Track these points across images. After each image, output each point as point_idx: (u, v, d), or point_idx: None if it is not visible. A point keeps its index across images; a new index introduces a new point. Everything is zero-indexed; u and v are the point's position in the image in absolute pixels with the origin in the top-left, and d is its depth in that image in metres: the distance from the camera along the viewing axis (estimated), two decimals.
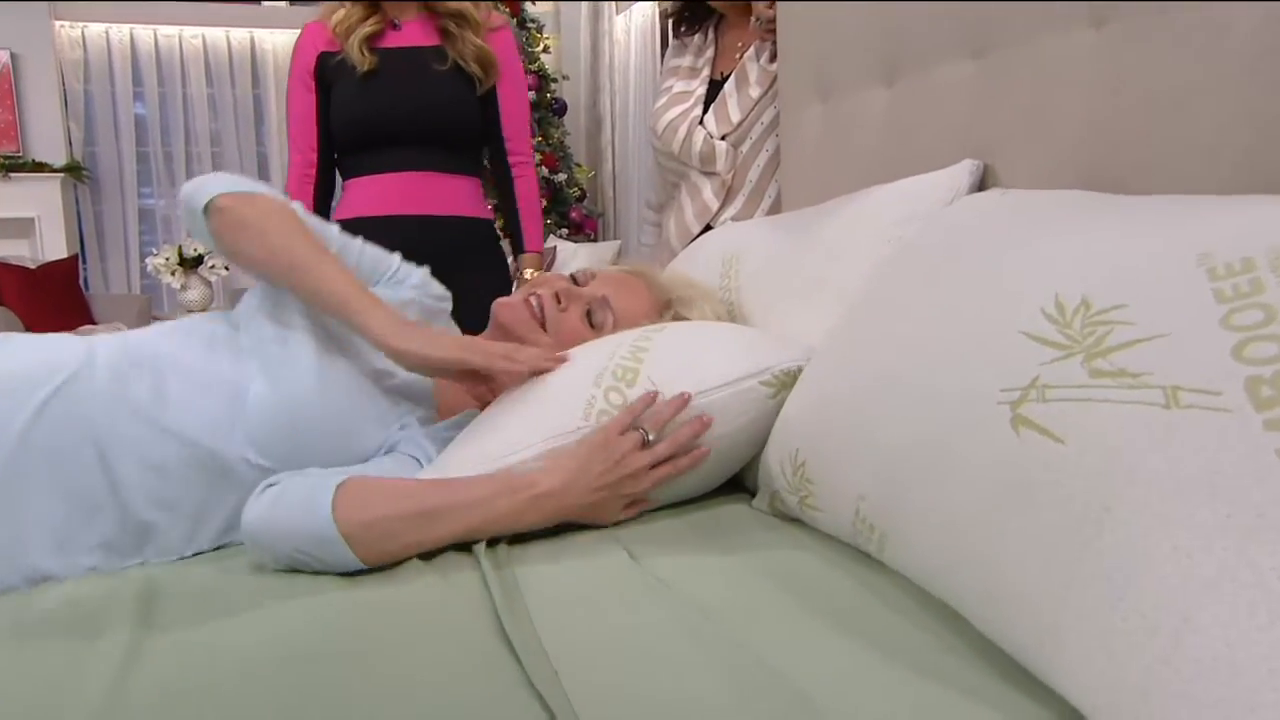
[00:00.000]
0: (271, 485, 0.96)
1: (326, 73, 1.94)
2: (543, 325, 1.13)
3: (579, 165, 5.81)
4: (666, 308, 1.20)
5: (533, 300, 1.14)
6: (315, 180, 2.00)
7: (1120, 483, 0.58)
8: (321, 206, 2.03)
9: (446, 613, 0.81)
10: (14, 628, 0.78)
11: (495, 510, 0.94)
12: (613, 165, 5.98)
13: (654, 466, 1.00)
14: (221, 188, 1.06)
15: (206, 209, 1.05)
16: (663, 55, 5.42)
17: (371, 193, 1.94)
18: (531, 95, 4.72)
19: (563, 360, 1.06)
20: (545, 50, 5.65)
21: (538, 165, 5.36)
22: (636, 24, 5.61)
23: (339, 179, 2.06)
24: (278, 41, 6.22)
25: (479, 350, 1.03)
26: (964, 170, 1.09)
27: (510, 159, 2.08)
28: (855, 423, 0.86)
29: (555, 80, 5.75)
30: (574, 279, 1.18)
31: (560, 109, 5.65)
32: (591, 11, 5.98)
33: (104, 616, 0.80)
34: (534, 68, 5.36)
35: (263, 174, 6.27)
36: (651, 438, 0.99)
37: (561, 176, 5.43)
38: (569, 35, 6.29)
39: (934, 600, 0.78)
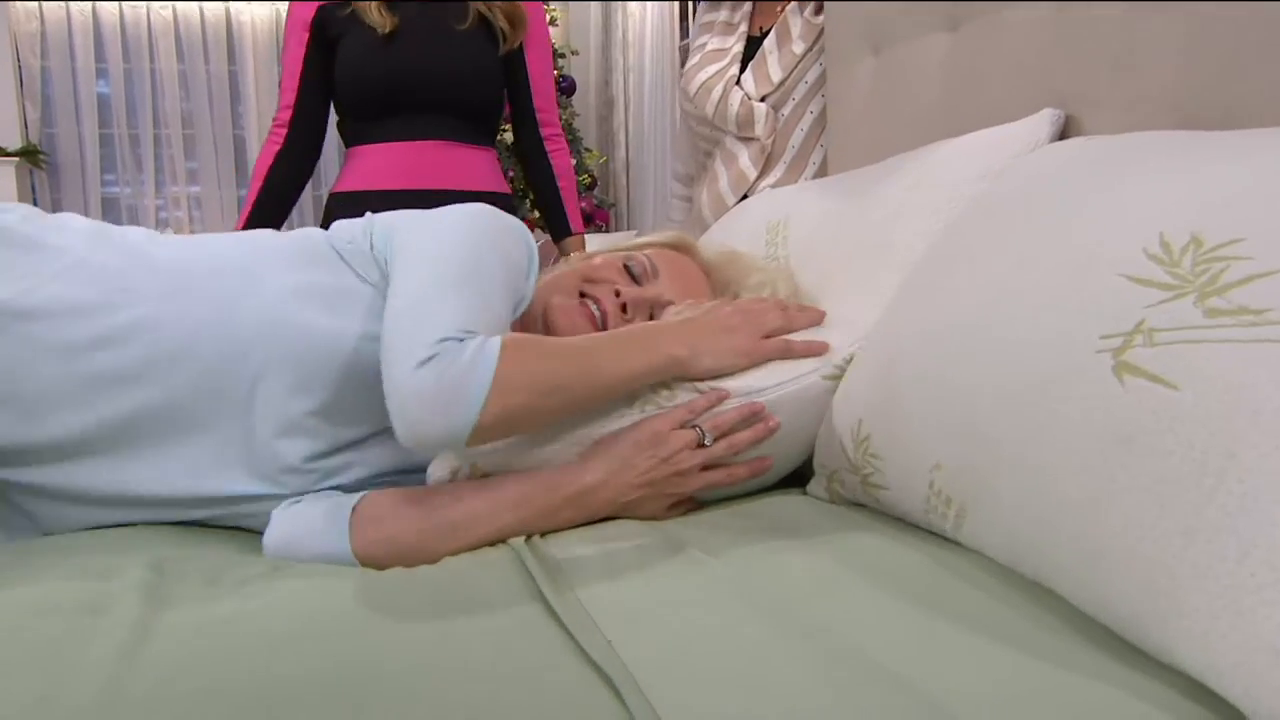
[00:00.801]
0: (293, 504, 0.99)
1: (329, 26, 1.94)
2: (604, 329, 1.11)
3: (589, 150, 5.82)
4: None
5: (592, 307, 1.12)
6: (284, 139, 1.98)
7: (1244, 426, 0.58)
8: (283, 171, 1.99)
9: (481, 589, 0.81)
10: (14, 602, 0.79)
11: (530, 510, 0.95)
12: (626, 151, 5.99)
13: (706, 468, 1.00)
14: (473, 401, 0.87)
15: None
16: (682, 31, 5.46)
17: (380, 163, 1.94)
18: None
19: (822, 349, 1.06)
20: (552, 23, 5.68)
21: None
22: None
23: (341, 146, 2.05)
24: (256, 13, 6.25)
25: (775, 349, 1.04)
26: (1044, 120, 1.09)
27: (543, 130, 2.09)
28: (929, 385, 0.86)
29: (563, 56, 5.77)
30: (629, 270, 1.16)
31: (569, 88, 5.66)
32: None
33: (110, 586, 0.80)
34: None
35: (239, 158, 6.28)
36: (708, 441, 0.99)
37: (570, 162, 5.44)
38: (578, 7, 6.32)
39: (1017, 578, 0.78)
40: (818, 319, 1.09)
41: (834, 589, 0.80)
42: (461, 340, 0.88)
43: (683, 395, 1.00)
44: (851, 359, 1.03)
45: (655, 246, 1.22)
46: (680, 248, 1.23)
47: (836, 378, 1.03)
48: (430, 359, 0.87)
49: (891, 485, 0.93)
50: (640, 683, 0.62)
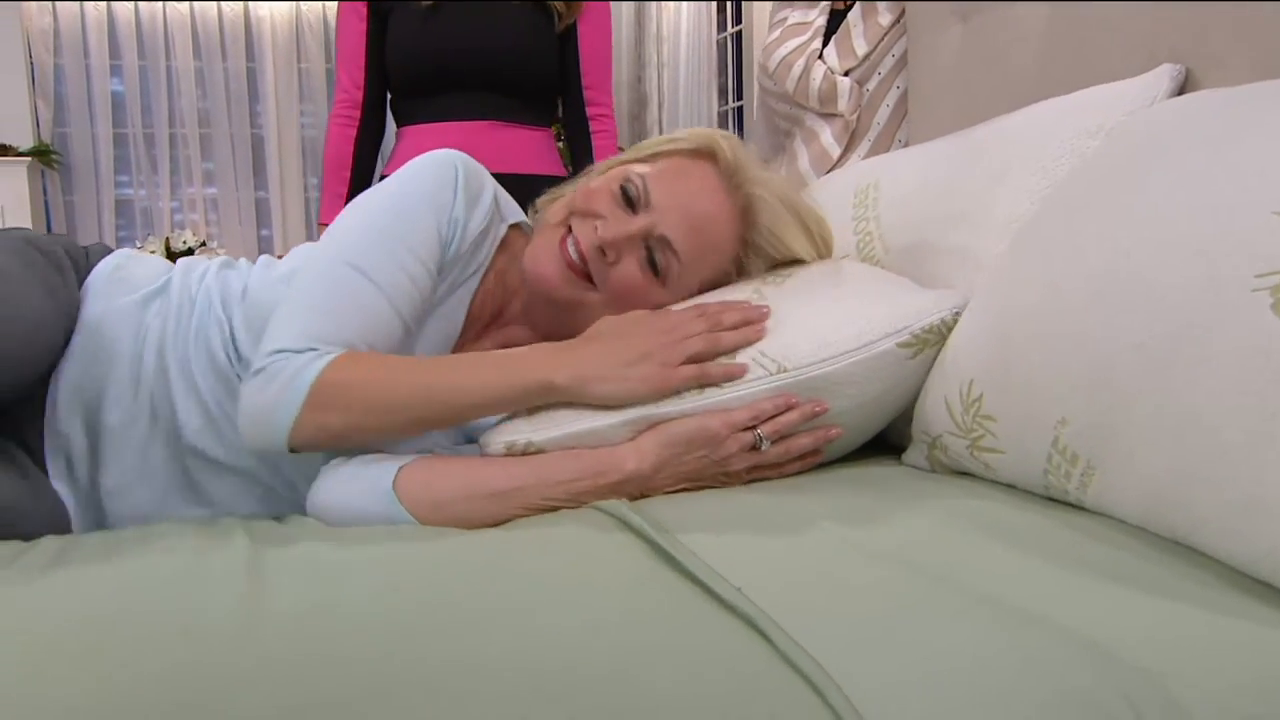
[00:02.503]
0: (338, 465, 1.00)
1: (381, 4, 1.98)
2: (587, 276, 1.08)
3: (621, 149, 5.86)
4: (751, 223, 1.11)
5: (569, 248, 1.08)
6: (360, 123, 2.03)
7: None
8: (366, 153, 2.05)
9: (589, 547, 0.82)
10: (119, 561, 0.81)
11: (577, 488, 0.96)
12: None
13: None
14: (283, 419, 0.94)
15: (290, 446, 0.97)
16: (719, 24, 5.48)
17: (430, 144, 1.94)
18: None
19: (763, 314, 1.02)
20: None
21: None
22: None
23: (392, 125, 2.09)
24: (275, 9, 6.33)
25: (688, 378, 0.98)
26: (1163, 76, 1.09)
27: (589, 110, 2.11)
28: (1055, 339, 0.86)
29: None
30: (626, 194, 1.08)
31: None
32: None
33: (216, 545, 0.83)
34: None
35: (257, 159, 6.35)
36: (765, 447, 0.99)
37: (615, 148, 5.47)
38: None
39: (1154, 538, 0.78)
40: (754, 336, 1.01)
41: (957, 542, 0.81)
42: (298, 353, 0.96)
43: (754, 369, 0.99)
44: (932, 328, 1.02)
45: (674, 155, 1.13)
46: (703, 153, 1.12)
47: (913, 345, 1.01)
48: (259, 371, 0.96)
49: (1006, 447, 0.93)
50: (780, 624, 0.63)
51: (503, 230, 1.15)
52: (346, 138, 2.03)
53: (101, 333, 1.05)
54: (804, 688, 0.56)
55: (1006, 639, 0.61)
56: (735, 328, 1.01)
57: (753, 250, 1.12)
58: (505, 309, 1.17)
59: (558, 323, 1.11)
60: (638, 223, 1.07)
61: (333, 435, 0.96)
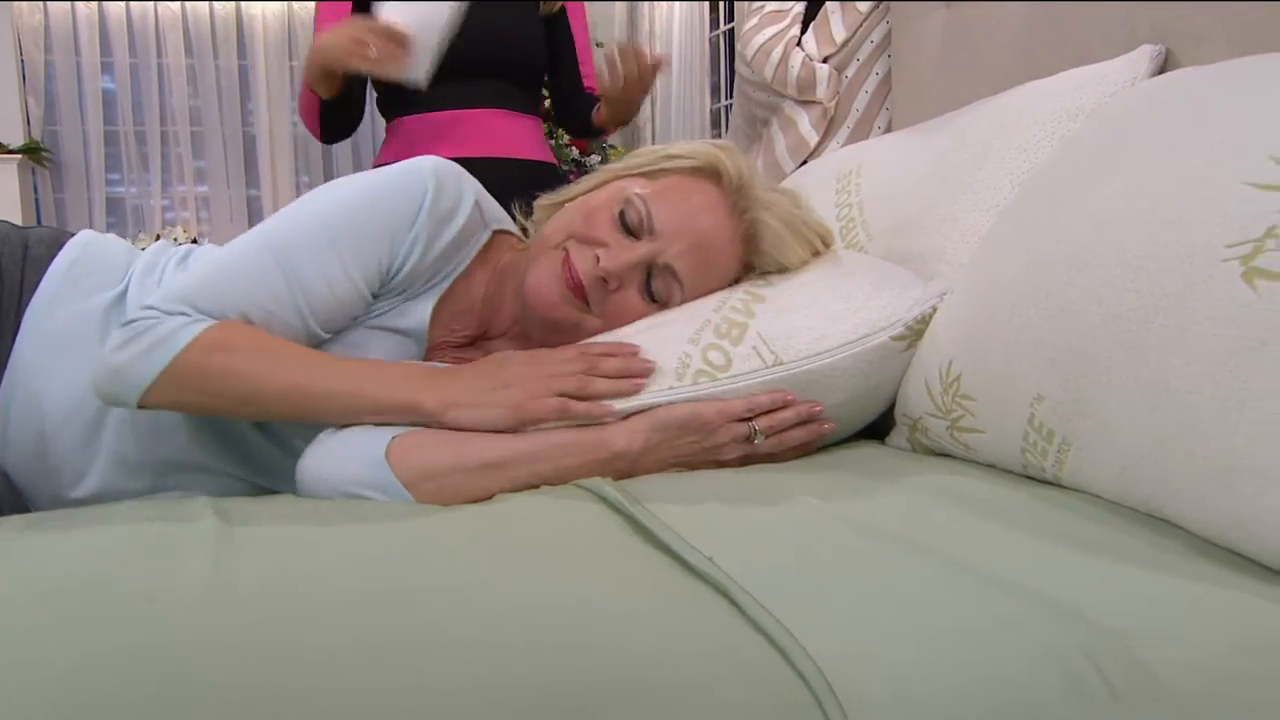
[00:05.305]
0: (328, 436, 0.98)
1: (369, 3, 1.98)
2: (585, 299, 1.05)
3: (614, 148, 5.86)
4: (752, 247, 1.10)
5: (570, 273, 1.05)
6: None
7: None
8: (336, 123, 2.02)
9: (563, 520, 0.83)
10: (83, 534, 0.80)
11: (566, 465, 0.96)
12: None
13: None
14: (136, 383, 0.93)
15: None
16: (712, 23, 5.49)
17: (422, 133, 1.97)
18: None
19: (646, 369, 0.99)
20: None
21: (565, 147, 5.44)
22: None
23: (380, 119, 2.08)
24: (267, 8, 6.33)
25: (549, 410, 0.96)
26: (1143, 56, 1.10)
27: (588, 82, 2.11)
28: (1031, 315, 0.86)
29: None
30: (624, 222, 1.05)
31: None
32: None
33: (182, 519, 0.82)
34: None
35: (249, 157, 6.34)
36: (759, 441, 0.99)
37: (594, 159, 5.48)
38: None
39: (1129, 512, 0.79)
40: (629, 389, 0.98)
41: (937, 517, 0.81)
42: (168, 315, 0.95)
43: (739, 364, 0.99)
44: (925, 318, 1.03)
45: (675, 173, 1.10)
46: (706, 172, 1.09)
47: (907, 337, 1.02)
48: (127, 324, 0.95)
49: (984, 426, 0.93)
50: (750, 591, 0.62)
51: (485, 236, 1.12)
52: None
53: (63, 349, 1.03)
54: (771, 652, 0.56)
55: (975, 602, 0.61)
56: (612, 376, 0.99)
57: (753, 268, 1.12)
58: (493, 323, 1.15)
59: (553, 343, 1.06)
60: (641, 250, 1.04)
61: (184, 409, 0.98)
